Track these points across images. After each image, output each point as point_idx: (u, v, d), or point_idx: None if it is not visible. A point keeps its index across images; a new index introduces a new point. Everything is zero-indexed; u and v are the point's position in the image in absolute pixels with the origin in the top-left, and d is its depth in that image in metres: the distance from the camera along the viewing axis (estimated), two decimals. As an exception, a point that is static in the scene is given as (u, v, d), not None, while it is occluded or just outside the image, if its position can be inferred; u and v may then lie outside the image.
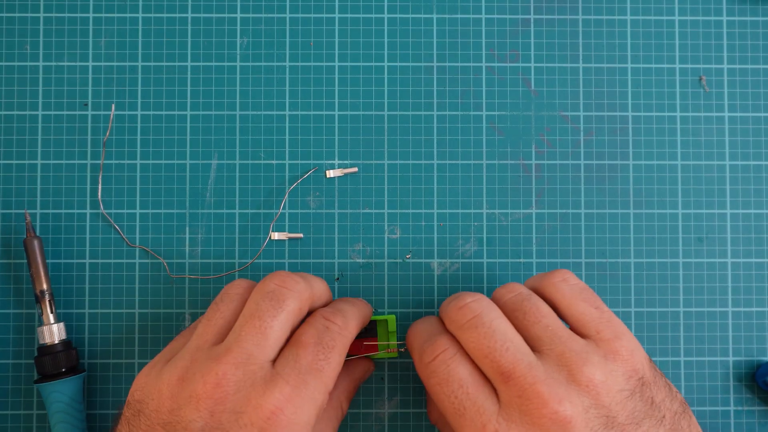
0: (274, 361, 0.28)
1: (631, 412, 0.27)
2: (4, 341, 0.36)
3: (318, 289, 0.31)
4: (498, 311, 0.29)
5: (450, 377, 0.28)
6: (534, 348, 0.28)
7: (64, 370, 0.34)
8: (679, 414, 0.28)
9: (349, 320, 0.30)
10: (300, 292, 0.29)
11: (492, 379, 0.27)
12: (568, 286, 0.30)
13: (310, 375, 0.27)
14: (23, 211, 0.36)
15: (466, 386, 0.27)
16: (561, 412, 0.26)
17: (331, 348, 0.28)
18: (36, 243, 0.35)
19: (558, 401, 0.26)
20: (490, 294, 0.36)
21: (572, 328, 0.29)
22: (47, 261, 0.36)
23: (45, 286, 0.35)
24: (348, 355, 0.34)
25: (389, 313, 0.36)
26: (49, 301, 0.35)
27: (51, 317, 0.34)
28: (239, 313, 0.29)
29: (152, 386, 0.27)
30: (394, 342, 0.34)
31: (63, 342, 0.34)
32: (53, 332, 0.34)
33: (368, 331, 0.35)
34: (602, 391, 0.27)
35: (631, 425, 0.26)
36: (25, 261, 0.36)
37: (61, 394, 0.33)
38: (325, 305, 0.32)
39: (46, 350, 0.34)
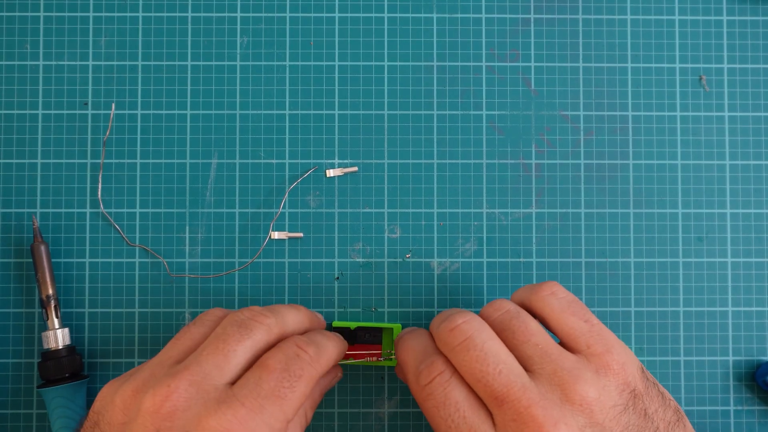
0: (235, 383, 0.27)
1: (625, 426, 0.27)
2: (5, 341, 0.36)
3: (292, 323, 0.30)
4: (489, 331, 0.29)
5: (447, 401, 0.28)
6: (526, 367, 0.28)
7: (67, 375, 0.34)
8: (673, 423, 0.28)
9: (322, 354, 0.29)
10: (269, 326, 0.28)
11: (486, 403, 0.27)
12: (557, 300, 0.30)
13: (269, 401, 0.26)
14: (25, 211, 0.36)
15: (462, 410, 0.27)
16: None
17: (298, 377, 0.27)
18: (43, 248, 0.35)
19: (553, 424, 0.26)
20: (485, 301, 0.36)
21: (562, 343, 0.29)
22: (47, 260, 0.36)
23: (51, 292, 0.35)
24: (351, 361, 0.34)
25: (390, 317, 0.36)
26: (55, 306, 0.35)
27: (56, 322, 0.34)
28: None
29: (109, 398, 0.27)
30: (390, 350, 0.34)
31: (67, 347, 0.34)
32: (58, 337, 0.34)
33: (373, 338, 0.35)
34: (596, 408, 0.27)
35: None
36: (27, 261, 0.36)
37: (63, 399, 0.33)
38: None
39: (50, 355, 0.34)
